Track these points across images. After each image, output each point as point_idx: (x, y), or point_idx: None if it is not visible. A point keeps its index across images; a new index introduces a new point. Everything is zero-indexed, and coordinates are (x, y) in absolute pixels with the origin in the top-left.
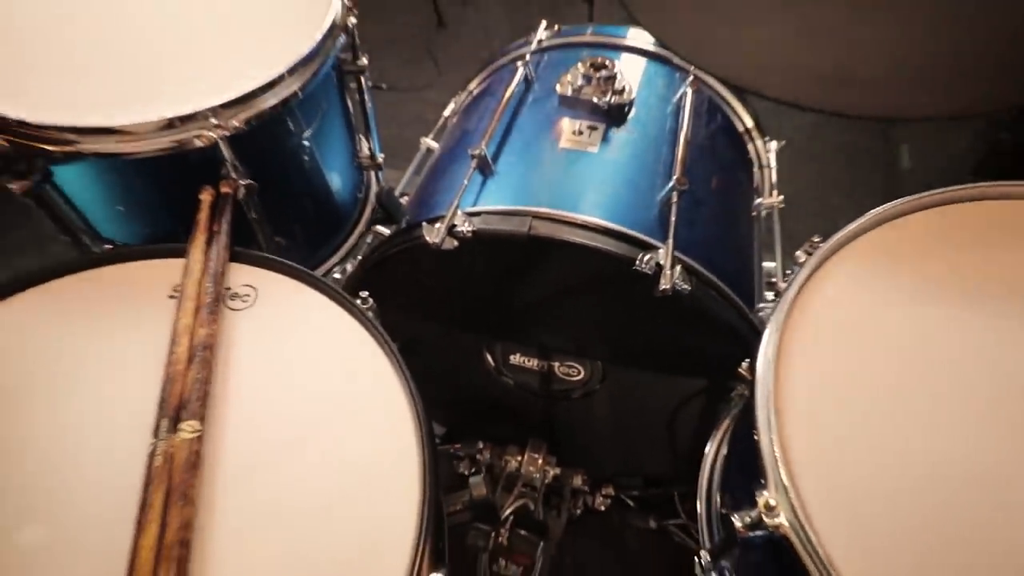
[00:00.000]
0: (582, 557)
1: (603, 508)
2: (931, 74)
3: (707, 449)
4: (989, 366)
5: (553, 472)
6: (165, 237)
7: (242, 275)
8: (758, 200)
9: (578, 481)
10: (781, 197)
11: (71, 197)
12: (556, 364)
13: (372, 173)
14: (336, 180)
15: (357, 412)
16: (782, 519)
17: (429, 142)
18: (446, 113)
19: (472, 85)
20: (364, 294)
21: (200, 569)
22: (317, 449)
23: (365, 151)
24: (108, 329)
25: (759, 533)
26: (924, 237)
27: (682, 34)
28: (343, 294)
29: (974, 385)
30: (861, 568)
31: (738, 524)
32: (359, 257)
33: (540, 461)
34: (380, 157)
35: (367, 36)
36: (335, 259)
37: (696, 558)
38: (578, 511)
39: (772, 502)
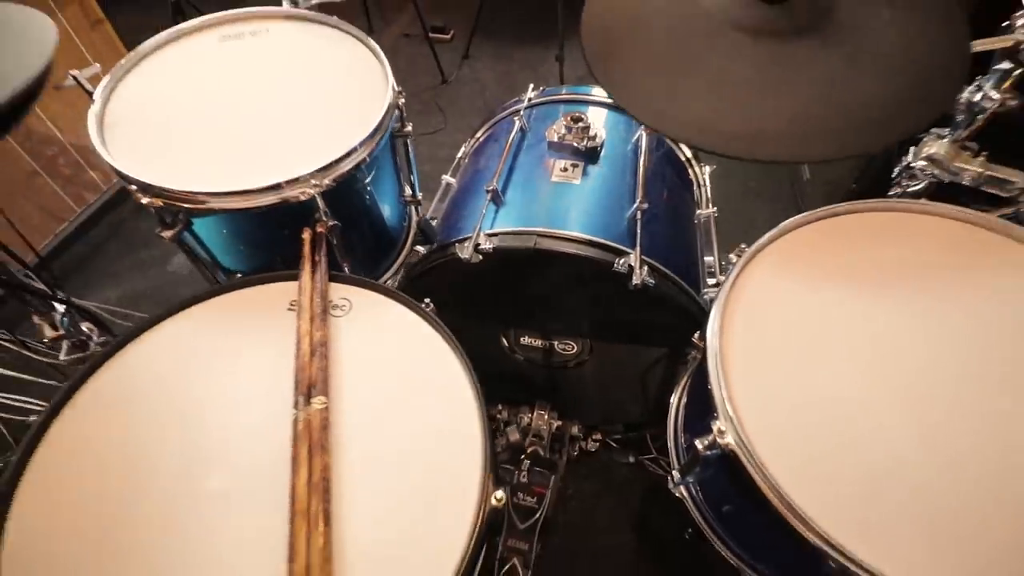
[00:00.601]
0: (580, 487)
1: (594, 449)
2: (813, 131)
3: (672, 399)
4: (873, 327)
5: (556, 424)
6: (269, 266)
7: (339, 291)
8: (698, 211)
9: (575, 430)
10: (715, 208)
11: (204, 240)
12: (555, 342)
13: (413, 207)
14: (389, 214)
15: (432, 386)
16: (730, 439)
17: (448, 178)
18: (459, 154)
19: (479, 133)
20: (427, 300)
21: (338, 496)
22: (408, 412)
23: (408, 192)
24: (249, 334)
25: (714, 451)
26: (818, 240)
27: (638, 102)
28: (413, 300)
29: (862, 340)
30: (788, 472)
31: (699, 446)
32: (402, 271)
33: (546, 416)
34: (419, 195)
35: None
36: (389, 273)
37: (669, 476)
38: (575, 453)
39: (723, 428)
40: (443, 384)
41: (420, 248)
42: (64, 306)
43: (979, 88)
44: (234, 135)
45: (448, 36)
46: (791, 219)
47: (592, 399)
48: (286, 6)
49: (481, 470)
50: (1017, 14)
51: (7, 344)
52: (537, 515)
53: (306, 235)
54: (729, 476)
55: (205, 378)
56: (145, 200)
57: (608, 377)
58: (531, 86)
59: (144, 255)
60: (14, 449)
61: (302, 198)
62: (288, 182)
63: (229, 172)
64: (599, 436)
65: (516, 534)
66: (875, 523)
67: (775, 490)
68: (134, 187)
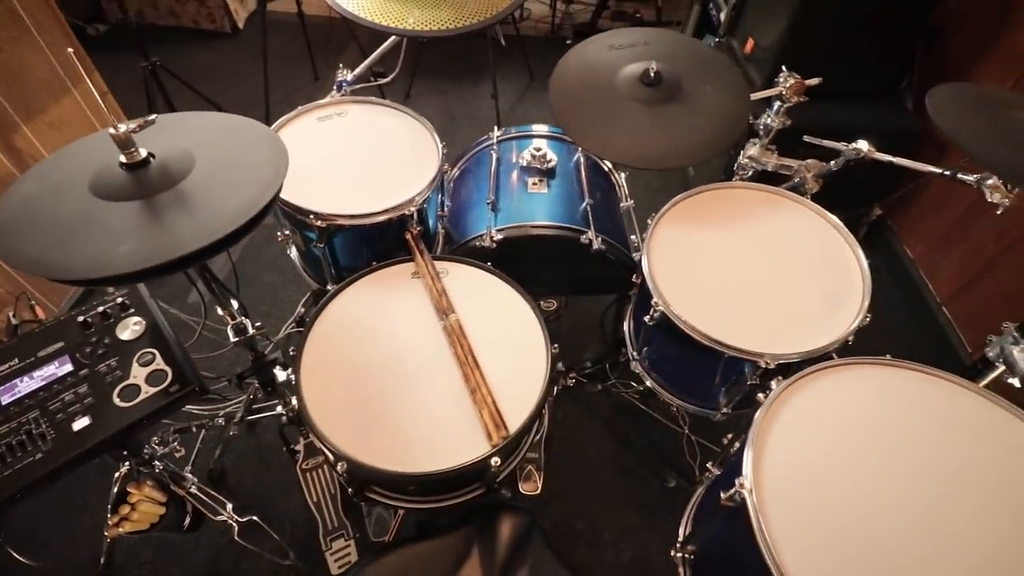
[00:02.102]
0: (565, 412)
1: (572, 384)
2: (679, 151)
3: (624, 326)
4: (734, 245)
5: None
6: (364, 263)
7: (438, 265)
8: (622, 204)
9: (559, 367)
10: (632, 201)
11: (336, 247)
12: (542, 302)
13: (442, 218)
14: (432, 222)
15: (507, 304)
16: (662, 310)
17: (443, 198)
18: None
19: (456, 166)
20: (488, 263)
21: (480, 359)
22: (499, 316)
23: (441, 210)
24: (395, 290)
25: (656, 321)
26: (697, 206)
27: (588, 142)
28: (483, 264)
29: (728, 251)
30: (693, 318)
31: (646, 319)
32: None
33: None
34: (448, 209)
35: None
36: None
37: (631, 360)
38: (560, 387)
39: (658, 304)
40: (511, 302)
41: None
42: (236, 301)
43: (768, 116)
44: (352, 180)
45: (389, 79)
46: (675, 197)
47: (568, 344)
48: (336, 95)
49: (544, 340)
50: (781, 74)
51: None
52: (543, 430)
53: (409, 236)
54: (669, 336)
55: (382, 315)
56: (317, 223)
57: (577, 324)
58: (496, 127)
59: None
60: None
61: (407, 213)
62: (403, 203)
63: (357, 202)
64: (572, 374)
65: (530, 446)
66: (737, 330)
67: (688, 325)
68: (312, 216)
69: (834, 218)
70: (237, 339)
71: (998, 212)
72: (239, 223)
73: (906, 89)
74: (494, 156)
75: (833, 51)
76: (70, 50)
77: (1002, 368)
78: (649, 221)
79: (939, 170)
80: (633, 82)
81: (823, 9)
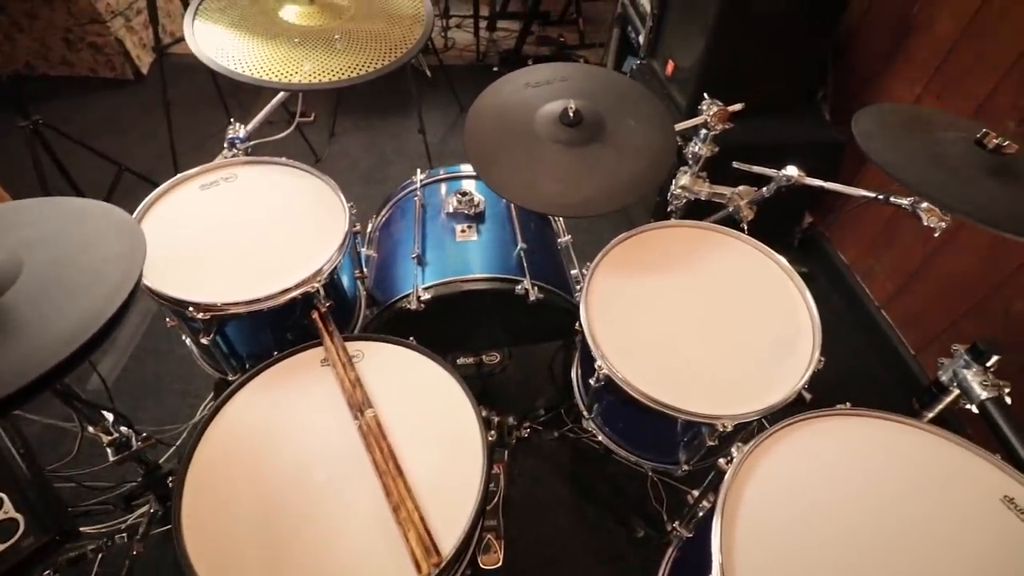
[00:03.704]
0: (522, 466)
1: (527, 435)
2: (605, 193)
3: (572, 373)
4: (676, 290)
5: (495, 420)
6: (270, 348)
7: (350, 346)
8: (559, 239)
9: (511, 421)
10: (570, 236)
11: (230, 336)
12: (483, 356)
13: (360, 280)
14: (349, 288)
15: (432, 388)
16: (606, 371)
17: (367, 251)
18: (369, 229)
19: (383, 211)
20: (411, 338)
21: (404, 464)
22: (423, 406)
23: (358, 271)
24: (302, 385)
25: (603, 383)
26: (635, 250)
27: (509, 191)
28: (403, 340)
29: (670, 298)
30: (638, 379)
31: (592, 382)
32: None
33: (484, 414)
34: (366, 271)
35: None
36: (356, 331)
37: (582, 418)
38: (514, 440)
39: (601, 365)
40: (437, 384)
41: (365, 310)
42: (112, 415)
43: (696, 144)
44: (242, 258)
45: (311, 118)
46: (610, 242)
47: (516, 394)
48: (226, 155)
49: (478, 426)
50: (703, 103)
51: None
52: (497, 496)
53: (315, 314)
54: (614, 394)
55: (286, 416)
56: (199, 315)
57: (524, 373)
58: (419, 171)
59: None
60: None
61: (311, 291)
62: (303, 282)
63: (250, 284)
64: (527, 424)
65: (485, 515)
66: (687, 390)
67: (637, 390)
68: (191, 308)
69: (777, 256)
70: (118, 456)
71: (935, 235)
72: (72, 347)
73: (822, 100)
74: (418, 202)
75: (751, 68)
76: None
77: (956, 392)
78: (584, 271)
79: (872, 194)
80: (552, 122)
81: (736, 28)
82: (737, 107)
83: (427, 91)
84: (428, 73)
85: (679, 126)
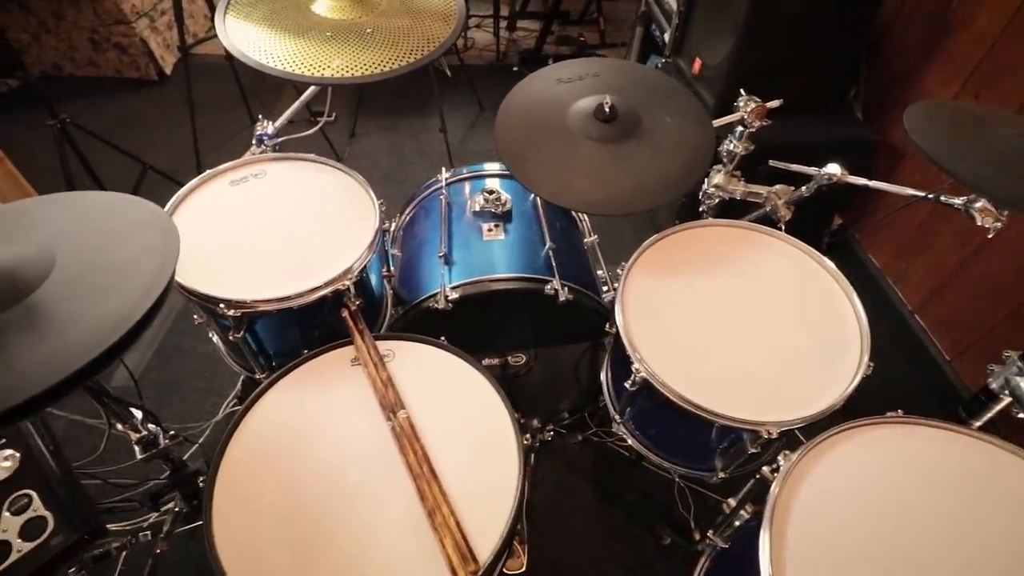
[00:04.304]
0: (546, 469)
1: (550, 438)
2: (639, 193)
3: (602, 376)
4: (714, 292)
5: (520, 421)
6: (299, 347)
7: (381, 345)
8: (585, 239)
9: (535, 424)
10: (596, 236)
11: (260, 334)
12: (509, 357)
13: (387, 279)
14: (377, 287)
15: (463, 388)
16: (644, 374)
17: (393, 251)
18: (392, 228)
19: (406, 211)
20: (442, 338)
21: (437, 466)
22: (456, 406)
23: (386, 269)
24: (333, 384)
25: (639, 386)
26: (670, 250)
27: (541, 187)
28: (434, 339)
29: (708, 300)
30: (682, 380)
31: (627, 385)
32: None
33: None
34: (393, 269)
35: None
36: (382, 330)
37: (612, 422)
38: (538, 443)
39: (638, 368)
40: (470, 383)
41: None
42: (141, 412)
43: (731, 142)
44: (271, 254)
45: (332, 118)
46: (645, 242)
47: (541, 397)
48: (254, 151)
49: (513, 429)
50: (740, 99)
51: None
52: (523, 498)
53: (345, 313)
54: (651, 398)
55: (315, 417)
56: (230, 312)
57: (549, 376)
58: (443, 169)
59: None
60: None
61: (342, 288)
62: (333, 279)
63: (281, 281)
64: (552, 427)
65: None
66: (729, 396)
67: (676, 394)
68: (222, 305)
69: (822, 257)
70: (146, 454)
71: (989, 236)
72: (105, 345)
73: (855, 98)
74: (443, 201)
75: (781, 66)
76: None
77: (1008, 400)
78: (620, 271)
79: (921, 193)
80: (587, 118)
81: (767, 25)
82: (775, 103)
83: (447, 91)
84: (448, 73)
85: (716, 122)
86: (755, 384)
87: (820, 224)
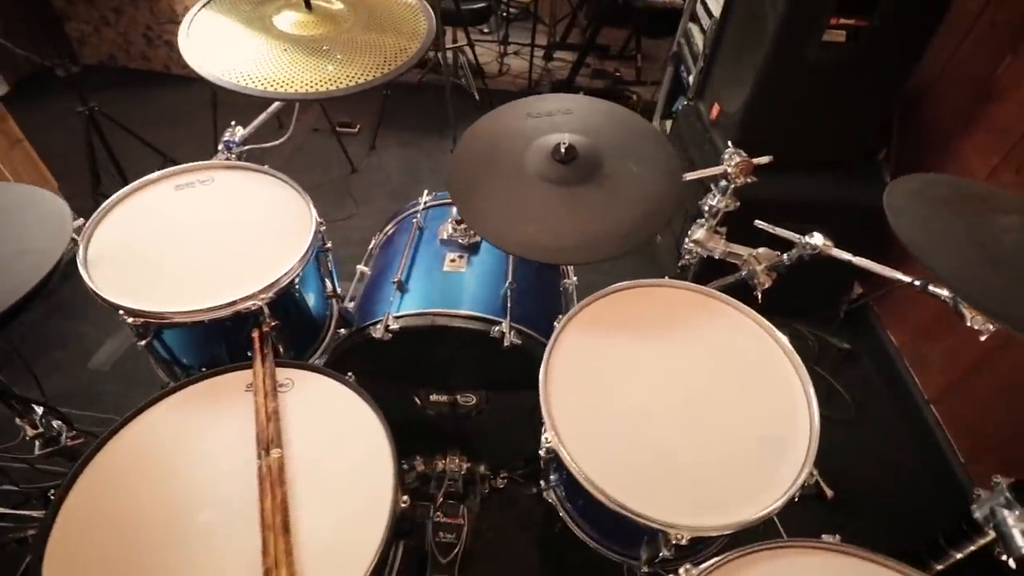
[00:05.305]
0: (494, 521)
1: (502, 486)
2: (594, 242)
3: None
4: (655, 364)
5: (466, 466)
6: (220, 360)
7: (283, 373)
8: (564, 281)
9: (483, 469)
10: (576, 279)
11: (170, 344)
12: (458, 396)
13: (334, 300)
14: (316, 308)
15: (355, 435)
16: (552, 444)
17: (362, 268)
18: (371, 246)
19: (387, 227)
20: (350, 373)
21: (291, 514)
22: (339, 454)
23: (330, 289)
24: (219, 410)
25: (551, 456)
26: (616, 309)
27: (488, 231)
28: (338, 374)
29: (647, 372)
30: (588, 462)
31: (542, 453)
32: (327, 351)
33: (456, 460)
34: (339, 289)
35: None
36: (318, 354)
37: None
38: (487, 491)
39: (548, 438)
40: (364, 431)
41: (342, 330)
42: (42, 408)
43: (714, 196)
44: (195, 264)
45: (355, 130)
46: (588, 296)
47: (494, 440)
48: (221, 157)
49: (392, 489)
50: (725, 151)
51: None
52: (456, 549)
53: (255, 333)
54: (558, 471)
55: (190, 444)
56: (130, 320)
57: (504, 419)
58: (425, 191)
59: (60, 356)
60: None
61: (252, 309)
62: (241, 299)
63: (195, 294)
64: (504, 474)
65: (439, 569)
66: (643, 485)
67: (582, 473)
68: (121, 312)
69: (779, 335)
70: (48, 450)
71: (981, 339)
72: None
73: (885, 159)
74: (415, 225)
75: (802, 119)
76: None
77: (992, 536)
78: (556, 324)
79: (908, 279)
80: (545, 158)
81: (787, 75)
82: (763, 160)
83: (473, 113)
84: (476, 95)
85: (692, 175)
86: (678, 476)
87: (838, 291)
